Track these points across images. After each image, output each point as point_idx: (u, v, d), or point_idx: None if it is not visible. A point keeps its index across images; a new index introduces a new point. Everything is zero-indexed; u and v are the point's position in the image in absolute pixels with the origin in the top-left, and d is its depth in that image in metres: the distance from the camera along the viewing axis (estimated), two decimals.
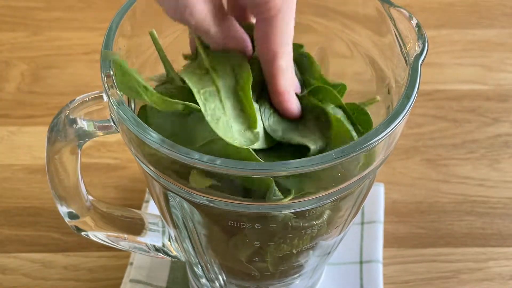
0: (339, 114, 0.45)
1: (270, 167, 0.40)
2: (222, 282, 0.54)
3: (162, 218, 0.52)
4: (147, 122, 0.43)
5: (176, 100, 0.43)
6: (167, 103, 0.43)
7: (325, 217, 0.46)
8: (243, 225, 0.45)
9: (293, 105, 0.45)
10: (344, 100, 0.53)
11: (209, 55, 0.45)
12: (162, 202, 0.48)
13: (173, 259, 0.57)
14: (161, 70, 0.49)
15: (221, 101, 0.43)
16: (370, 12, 0.49)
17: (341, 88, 0.50)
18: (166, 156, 0.41)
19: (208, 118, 0.42)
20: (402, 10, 0.47)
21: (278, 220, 0.45)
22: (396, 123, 0.41)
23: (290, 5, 0.42)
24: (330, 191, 0.43)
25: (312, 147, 0.44)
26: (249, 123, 0.43)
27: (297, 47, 0.48)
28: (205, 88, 0.43)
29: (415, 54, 0.45)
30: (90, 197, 0.52)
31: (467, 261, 0.62)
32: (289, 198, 0.42)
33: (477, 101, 0.76)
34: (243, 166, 0.40)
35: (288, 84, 0.44)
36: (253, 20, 0.44)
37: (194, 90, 0.43)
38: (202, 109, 0.42)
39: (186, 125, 0.44)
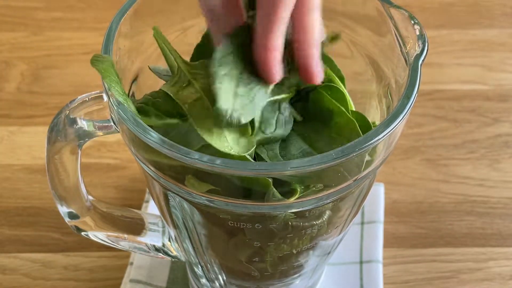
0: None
1: (270, 166, 0.40)
2: (222, 282, 0.54)
3: (162, 218, 0.52)
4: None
5: (153, 119, 0.43)
6: (144, 121, 0.42)
7: (325, 217, 0.47)
8: (243, 225, 0.45)
9: (317, 62, 0.43)
10: None
11: (188, 65, 0.45)
12: (162, 202, 0.48)
13: (173, 259, 0.57)
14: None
15: (208, 111, 0.42)
16: (370, 12, 0.49)
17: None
18: (166, 157, 0.41)
19: (200, 132, 0.41)
20: (402, 10, 0.47)
21: (278, 220, 0.45)
22: (396, 123, 0.41)
23: None
24: (330, 191, 0.43)
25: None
26: (242, 129, 0.42)
27: None
28: (191, 99, 0.43)
29: (415, 54, 0.45)
30: (90, 197, 0.52)
31: (467, 261, 0.62)
32: (294, 198, 0.42)
33: (477, 101, 0.76)
34: (243, 166, 0.40)
35: (317, 38, 0.43)
36: None
37: (181, 104, 0.43)
38: (193, 123, 0.42)
39: (181, 130, 0.44)
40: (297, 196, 0.42)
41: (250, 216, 0.44)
